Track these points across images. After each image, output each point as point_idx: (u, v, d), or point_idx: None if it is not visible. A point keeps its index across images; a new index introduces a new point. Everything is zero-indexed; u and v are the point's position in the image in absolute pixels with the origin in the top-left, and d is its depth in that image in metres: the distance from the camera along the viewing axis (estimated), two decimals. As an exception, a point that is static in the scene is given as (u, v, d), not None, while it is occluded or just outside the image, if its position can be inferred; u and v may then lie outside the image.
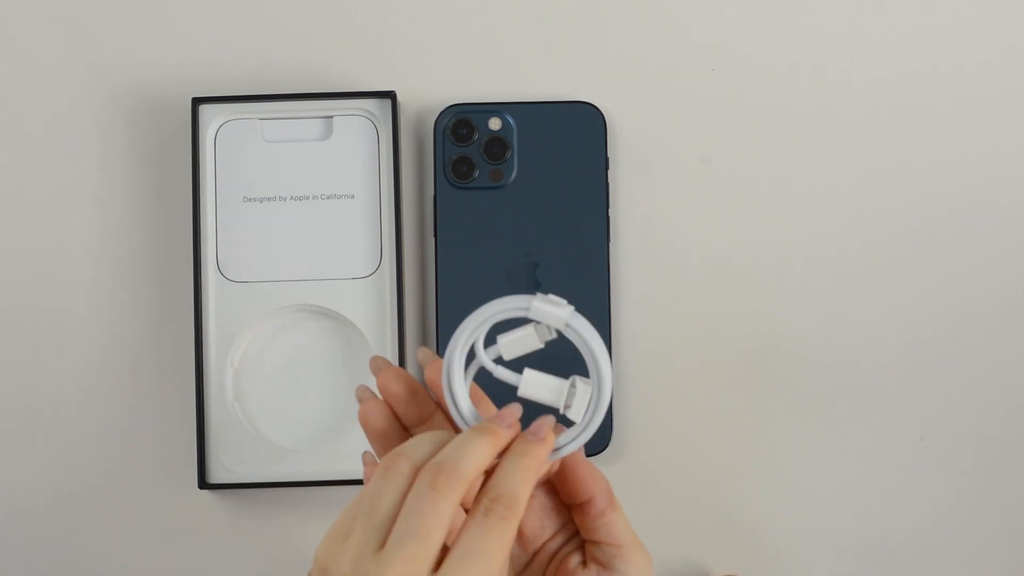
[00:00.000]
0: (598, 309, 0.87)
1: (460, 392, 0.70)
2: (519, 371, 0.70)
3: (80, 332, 0.88)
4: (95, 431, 0.88)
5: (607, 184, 0.87)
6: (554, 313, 0.69)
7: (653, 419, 0.88)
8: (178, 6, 0.89)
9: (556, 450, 0.69)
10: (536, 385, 0.70)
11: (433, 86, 0.88)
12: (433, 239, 0.87)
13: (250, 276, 0.87)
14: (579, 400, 0.70)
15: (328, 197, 0.87)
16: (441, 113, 0.87)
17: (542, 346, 0.71)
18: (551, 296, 0.70)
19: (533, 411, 0.70)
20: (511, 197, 0.87)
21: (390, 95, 0.87)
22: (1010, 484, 0.88)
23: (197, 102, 0.87)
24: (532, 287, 0.86)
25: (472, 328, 0.70)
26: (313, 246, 0.87)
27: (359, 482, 0.85)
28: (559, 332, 0.70)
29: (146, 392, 0.88)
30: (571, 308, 0.69)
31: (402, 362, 0.86)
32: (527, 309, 0.70)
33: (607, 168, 0.87)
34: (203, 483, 0.85)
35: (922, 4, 0.89)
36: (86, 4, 0.89)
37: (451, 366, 0.70)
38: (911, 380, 0.88)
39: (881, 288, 0.88)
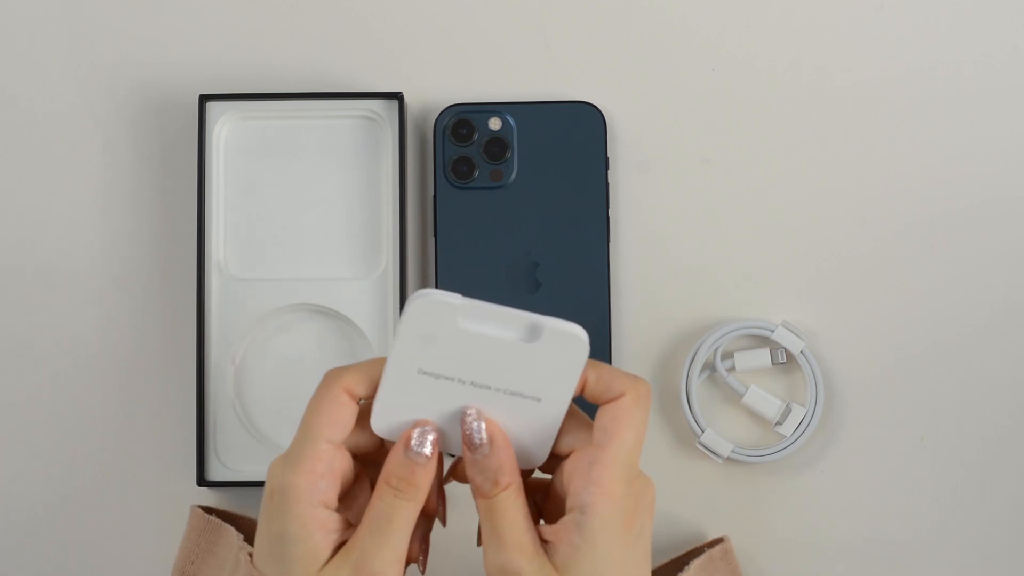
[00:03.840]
0: (598, 309, 0.87)
1: (694, 391, 0.86)
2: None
3: (82, 329, 0.88)
4: (96, 428, 0.88)
5: (607, 184, 0.87)
6: (794, 340, 0.85)
7: (653, 419, 0.87)
8: (182, 7, 0.90)
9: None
10: (759, 399, 0.86)
11: (433, 86, 0.89)
12: (433, 239, 0.87)
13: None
14: (792, 420, 0.85)
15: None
16: (441, 113, 0.87)
17: (771, 366, 0.86)
18: (793, 325, 0.85)
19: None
20: (511, 197, 0.87)
21: (397, 96, 0.87)
22: (1010, 484, 0.87)
23: (204, 99, 0.87)
24: (532, 287, 0.86)
25: (716, 338, 0.85)
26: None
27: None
28: (789, 357, 0.85)
29: (147, 389, 0.88)
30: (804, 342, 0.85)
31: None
32: (772, 331, 0.85)
33: (607, 168, 0.87)
34: (202, 481, 0.86)
35: (922, 4, 0.89)
36: (87, 4, 0.90)
37: (691, 366, 0.85)
38: (911, 380, 0.88)
39: (881, 288, 0.88)
